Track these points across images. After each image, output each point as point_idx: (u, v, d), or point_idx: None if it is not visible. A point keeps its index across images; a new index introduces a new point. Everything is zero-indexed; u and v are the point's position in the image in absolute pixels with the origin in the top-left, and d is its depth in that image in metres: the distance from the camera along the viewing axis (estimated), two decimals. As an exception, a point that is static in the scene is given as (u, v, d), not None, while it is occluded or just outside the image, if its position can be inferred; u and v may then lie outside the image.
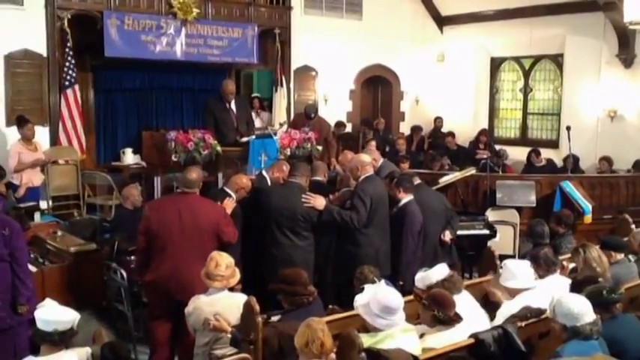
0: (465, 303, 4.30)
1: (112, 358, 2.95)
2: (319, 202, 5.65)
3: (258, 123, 10.21)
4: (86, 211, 8.57)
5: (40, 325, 3.55)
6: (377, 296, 3.81)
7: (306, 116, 9.61)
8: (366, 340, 3.65)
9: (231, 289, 4.60)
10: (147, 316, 5.67)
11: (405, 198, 6.02)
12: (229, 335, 4.36)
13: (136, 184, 7.56)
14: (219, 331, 4.43)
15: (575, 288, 4.38)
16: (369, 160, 6.05)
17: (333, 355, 3.47)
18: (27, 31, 8.67)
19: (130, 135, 10.16)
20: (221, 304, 4.53)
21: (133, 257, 6.07)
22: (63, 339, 3.57)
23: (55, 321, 3.53)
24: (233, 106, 8.50)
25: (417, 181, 6.55)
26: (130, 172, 9.32)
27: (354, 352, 3.46)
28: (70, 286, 5.83)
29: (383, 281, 4.39)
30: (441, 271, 4.49)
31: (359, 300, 3.92)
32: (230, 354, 4.30)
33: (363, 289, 4.34)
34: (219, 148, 7.82)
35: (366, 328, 3.89)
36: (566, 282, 4.83)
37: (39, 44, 8.80)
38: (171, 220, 5.05)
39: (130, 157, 9.68)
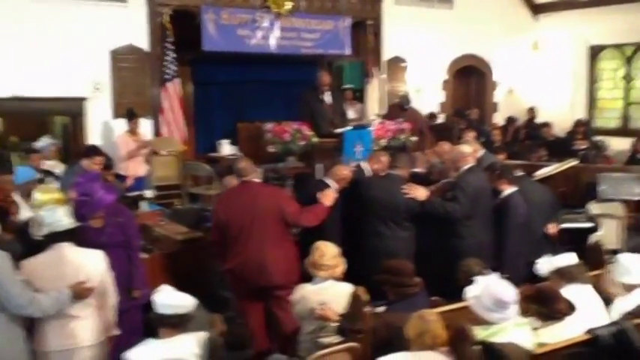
0: (583, 295, 4.17)
1: (235, 344, 3.02)
2: (420, 193, 5.62)
3: (350, 114, 10.22)
4: (188, 201, 8.84)
5: (159, 308, 3.66)
6: (489, 289, 3.75)
7: (400, 107, 9.57)
8: (479, 332, 3.61)
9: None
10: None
11: (508, 189, 5.89)
12: (335, 324, 4.42)
13: (234, 175, 7.71)
14: (325, 320, 4.50)
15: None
16: (470, 150, 5.97)
17: (446, 347, 3.45)
18: (130, 27, 9.03)
19: (227, 127, 10.39)
20: (327, 293, 4.59)
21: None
22: (181, 322, 3.68)
23: (174, 305, 3.64)
24: (327, 97, 8.55)
25: (518, 172, 6.40)
26: (227, 163, 9.53)
27: (468, 344, 3.42)
28: (176, 272, 6.01)
29: (495, 274, 4.32)
30: (564, 259, 4.38)
31: (469, 292, 3.87)
32: (336, 342, 4.36)
33: (471, 281, 4.29)
34: (315, 140, 7.89)
35: (477, 321, 3.84)
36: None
37: (141, 40, 9.15)
38: (238, 210, 5.20)
39: (226, 149, 9.92)
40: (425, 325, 3.39)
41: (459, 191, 5.59)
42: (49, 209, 4.03)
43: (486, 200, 5.77)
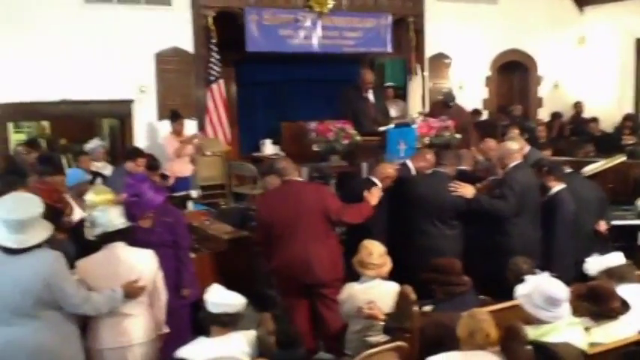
0: (633, 294, 4.08)
1: (288, 343, 3.04)
2: (467, 190, 5.56)
3: (392, 112, 10.17)
4: (233, 200, 8.93)
5: (210, 307, 3.71)
6: (540, 287, 3.71)
7: (444, 104, 9.48)
8: (531, 332, 3.56)
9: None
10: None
11: (557, 186, 5.80)
12: (382, 323, 4.42)
13: (274, 174, 7.76)
14: (373, 319, 4.49)
15: None
16: (517, 147, 5.89)
17: (497, 347, 3.42)
18: (175, 29, 9.16)
19: (270, 126, 10.46)
20: (374, 292, 4.59)
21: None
22: (231, 321, 3.73)
23: (225, 304, 3.69)
24: (370, 95, 8.53)
25: (567, 169, 6.30)
26: (268, 163, 9.59)
27: (520, 344, 3.39)
28: (224, 271, 6.07)
29: (545, 273, 4.26)
30: (614, 259, 4.30)
31: (520, 290, 3.83)
32: (384, 341, 4.36)
33: (519, 280, 4.24)
34: (358, 138, 7.87)
35: (527, 320, 3.80)
36: None
37: (186, 42, 9.27)
38: (281, 209, 5.22)
39: (269, 148, 10.00)
40: (476, 325, 3.36)
41: (507, 189, 5.51)
42: (102, 210, 4.12)
43: (534, 197, 5.69)
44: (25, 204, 3.65)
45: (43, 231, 3.64)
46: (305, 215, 5.16)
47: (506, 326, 3.45)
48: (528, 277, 3.93)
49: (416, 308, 4.17)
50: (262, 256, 5.69)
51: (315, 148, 7.77)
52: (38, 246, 3.60)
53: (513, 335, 3.41)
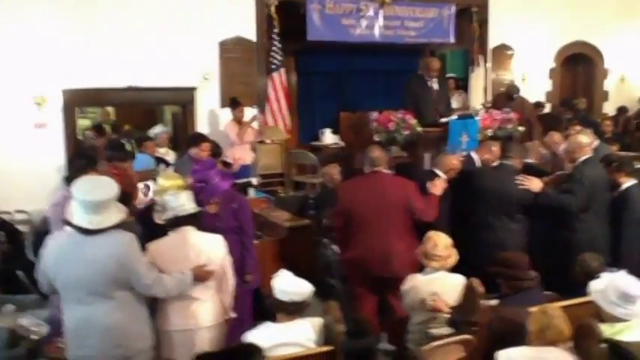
0: None
1: (355, 331, 3.05)
2: (534, 184, 5.46)
3: (454, 103, 10.06)
4: (292, 189, 8.99)
5: (277, 294, 3.75)
6: (615, 283, 3.62)
7: (507, 96, 9.32)
8: (605, 329, 3.48)
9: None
10: (350, 293, 5.85)
11: (627, 182, 5.64)
12: (446, 316, 4.38)
13: (335, 164, 7.77)
14: (436, 311, 4.46)
15: None
16: (587, 141, 5.74)
17: (570, 344, 3.35)
18: (238, 18, 9.24)
19: (329, 116, 10.50)
20: (438, 284, 4.55)
21: (337, 233, 6.31)
22: (298, 309, 3.76)
23: (292, 292, 3.72)
24: (435, 84, 8.43)
25: (637, 165, 6.11)
26: (329, 152, 9.63)
27: (594, 341, 3.31)
28: (285, 258, 6.14)
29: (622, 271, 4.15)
30: None
31: (594, 286, 3.74)
32: (447, 334, 4.32)
33: (588, 276, 4.16)
34: (419, 129, 7.80)
35: (599, 318, 3.71)
36: None
37: (249, 31, 9.35)
38: (364, 199, 5.17)
39: (328, 137, 10.03)
40: (549, 320, 3.30)
41: (576, 183, 5.39)
42: (173, 194, 4.18)
43: (603, 193, 5.55)
44: (102, 186, 3.74)
45: (118, 213, 3.72)
46: (389, 208, 5.12)
47: (580, 323, 3.38)
48: (601, 274, 3.83)
49: (483, 302, 4.11)
50: (337, 243, 5.66)
51: (375, 138, 7.72)
52: (112, 228, 3.68)
53: (587, 333, 3.33)
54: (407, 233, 5.16)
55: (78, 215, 3.64)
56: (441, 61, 11.47)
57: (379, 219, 5.10)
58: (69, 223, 3.67)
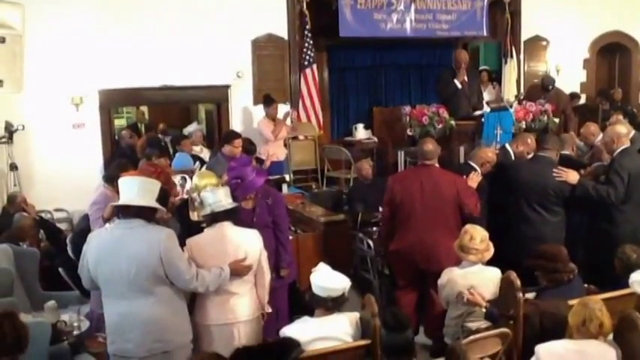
0: None
1: (394, 325, 3.06)
2: (572, 176, 5.39)
3: (487, 96, 9.99)
4: (325, 184, 9.01)
5: (315, 290, 3.77)
6: (656, 274, 3.57)
7: (542, 88, 9.21)
8: (647, 322, 3.44)
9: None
10: (390, 285, 5.85)
11: (667, 173, 5.53)
12: (483, 309, 4.36)
13: (367, 159, 7.79)
14: (473, 305, 4.44)
15: None
16: (625, 131, 5.64)
17: (610, 336, 3.32)
18: (270, 16, 9.29)
19: (361, 111, 10.52)
20: (475, 277, 4.53)
21: (374, 228, 6.32)
22: (335, 305, 3.78)
23: (330, 288, 3.74)
24: (465, 77, 8.39)
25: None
26: (362, 147, 9.64)
27: (635, 334, 3.27)
28: (320, 253, 6.16)
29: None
30: None
31: (635, 277, 3.69)
32: (485, 327, 4.30)
33: (628, 268, 4.11)
34: (453, 122, 7.78)
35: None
36: None
37: (281, 28, 9.40)
38: (414, 192, 5.16)
39: (361, 133, 10.03)
40: (590, 313, 3.26)
41: (614, 174, 5.31)
42: (211, 190, 4.23)
43: (643, 184, 5.45)
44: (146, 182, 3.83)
45: (155, 201, 3.78)
46: (438, 203, 5.11)
47: (621, 316, 3.34)
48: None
49: (520, 295, 4.08)
50: (382, 234, 5.67)
51: (409, 132, 7.75)
52: (148, 220, 3.72)
53: (629, 325, 3.30)
54: (455, 228, 5.07)
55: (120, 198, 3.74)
56: (474, 53, 11.50)
57: (427, 212, 5.09)
58: (109, 220, 3.73)
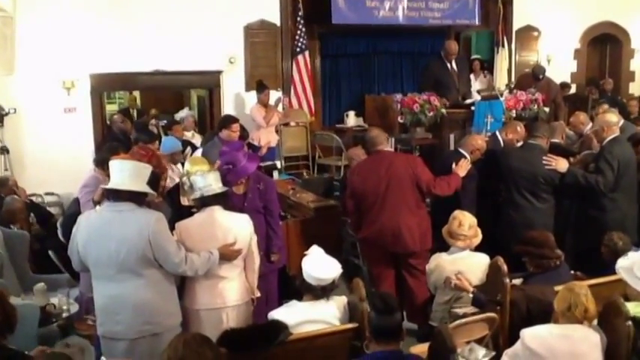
0: None
1: (383, 308, 3.08)
2: (562, 164, 5.42)
3: (478, 85, 10.02)
4: (316, 171, 9.02)
5: (306, 277, 3.78)
6: (642, 260, 3.61)
7: (533, 77, 9.24)
8: (631, 308, 3.48)
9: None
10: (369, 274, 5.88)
11: (656, 162, 5.59)
12: (471, 295, 4.40)
13: (359, 146, 7.78)
14: (461, 290, 4.48)
15: None
16: (615, 120, 5.69)
17: (595, 322, 3.36)
18: (262, 2, 9.29)
19: (353, 98, 10.51)
20: (463, 263, 4.58)
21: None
22: (324, 293, 3.80)
23: (320, 278, 3.75)
24: (454, 66, 8.41)
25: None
26: (353, 134, 9.64)
27: (620, 319, 3.31)
28: (310, 239, 6.12)
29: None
30: None
31: (620, 263, 3.73)
32: (471, 313, 4.34)
33: (615, 255, 4.14)
34: (443, 110, 7.80)
35: (626, 297, 3.70)
36: None
37: (273, 14, 9.39)
38: (372, 179, 5.22)
39: (352, 120, 10.04)
40: (576, 298, 3.30)
41: (604, 162, 5.36)
42: (201, 174, 4.23)
43: (632, 172, 5.51)
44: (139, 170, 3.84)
45: (146, 186, 3.79)
46: (396, 185, 5.16)
47: (606, 302, 3.37)
48: (630, 253, 3.81)
49: (507, 280, 4.12)
50: (350, 226, 5.73)
51: (400, 120, 7.76)
52: (139, 203, 3.73)
53: (614, 311, 3.34)
54: (417, 208, 5.21)
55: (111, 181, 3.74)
56: (466, 42, 11.51)
57: (387, 196, 5.15)
58: (99, 203, 3.72)
